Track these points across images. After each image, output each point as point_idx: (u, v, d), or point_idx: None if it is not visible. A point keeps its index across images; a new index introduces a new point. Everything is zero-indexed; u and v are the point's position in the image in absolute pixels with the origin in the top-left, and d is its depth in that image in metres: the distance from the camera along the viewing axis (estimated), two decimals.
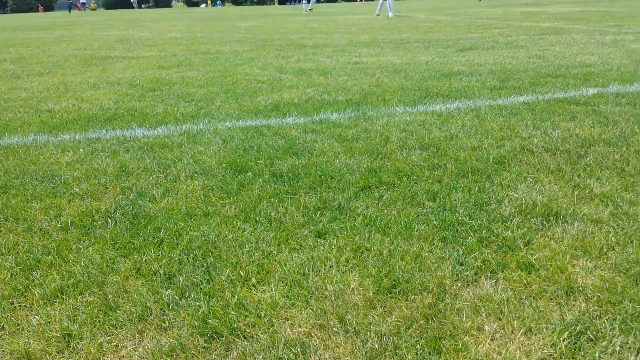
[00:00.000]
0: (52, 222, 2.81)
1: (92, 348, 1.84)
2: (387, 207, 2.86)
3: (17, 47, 13.34)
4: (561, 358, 1.73)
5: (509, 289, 2.09)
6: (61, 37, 16.48)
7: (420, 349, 1.77)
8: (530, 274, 2.19)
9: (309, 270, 2.26)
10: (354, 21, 21.11)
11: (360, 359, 1.75)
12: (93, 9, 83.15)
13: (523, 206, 2.81)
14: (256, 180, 3.30)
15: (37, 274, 2.31)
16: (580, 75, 6.59)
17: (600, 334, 1.83)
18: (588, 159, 3.50)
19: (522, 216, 2.71)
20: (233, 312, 1.99)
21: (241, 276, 2.24)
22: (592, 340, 1.80)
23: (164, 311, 2.02)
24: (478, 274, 2.21)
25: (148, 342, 1.86)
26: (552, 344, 1.78)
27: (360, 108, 5.19)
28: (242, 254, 2.40)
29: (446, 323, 1.90)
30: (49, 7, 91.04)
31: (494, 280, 2.16)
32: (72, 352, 1.84)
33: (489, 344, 1.79)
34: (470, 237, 2.50)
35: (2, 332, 1.95)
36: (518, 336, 1.82)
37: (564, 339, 1.80)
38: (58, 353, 1.84)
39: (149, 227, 2.70)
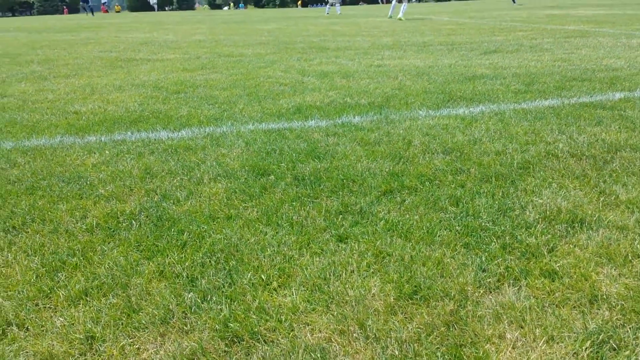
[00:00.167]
0: (77, 224, 2.85)
1: (114, 350, 1.86)
2: (409, 212, 2.85)
3: (44, 49, 13.57)
4: None
5: (532, 297, 2.07)
6: (87, 39, 16.72)
7: (441, 357, 1.76)
8: (553, 281, 2.17)
9: (330, 275, 2.26)
10: (375, 24, 21.06)
11: None
12: (117, 12, 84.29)
13: (547, 212, 2.78)
14: (278, 183, 3.31)
15: (62, 275, 2.35)
16: (607, 79, 6.49)
17: (623, 343, 1.80)
18: (614, 165, 3.45)
19: (546, 222, 2.68)
20: (254, 316, 2.00)
21: (262, 280, 2.25)
22: (614, 349, 1.77)
23: (186, 314, 2.04)
24: (500, 281, 2.19)
25: (170, 345, 1.87)
26: (574, 353, 1.76)
27: (383, 111, 5.18)
28: (264, 258, 2.42)
29: (467, 330, 1.89)
30: (74, 9, 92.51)
31: (516, 288, 2.13)
32: (94, 354, 1.86)
33: (510, 352, 1.77)
34: (493, 243, 2.48)
35: (27, 334, 1.97)
36: (540, 345, 1.80)
37: (586, 348, 1.77)
38: (81, 355, 1.86)
39: (172, 230, 2.73)
